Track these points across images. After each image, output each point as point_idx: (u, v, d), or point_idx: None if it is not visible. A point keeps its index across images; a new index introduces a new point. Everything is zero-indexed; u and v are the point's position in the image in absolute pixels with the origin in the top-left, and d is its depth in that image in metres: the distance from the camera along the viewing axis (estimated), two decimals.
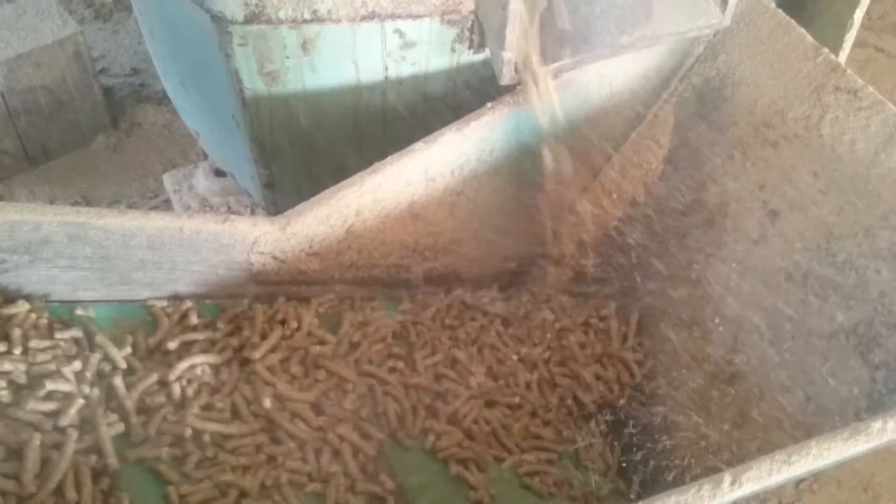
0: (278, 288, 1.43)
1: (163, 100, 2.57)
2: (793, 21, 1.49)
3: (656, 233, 1.58)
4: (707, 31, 1.51)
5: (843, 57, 1.77)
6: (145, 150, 2.49)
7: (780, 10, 1.52)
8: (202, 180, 2.10)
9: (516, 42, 1.35)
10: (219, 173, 2.10)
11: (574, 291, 1.63)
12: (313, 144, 1.60)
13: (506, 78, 1.39)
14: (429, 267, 1.56)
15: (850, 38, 1.74)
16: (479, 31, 1.45)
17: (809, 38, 1.46)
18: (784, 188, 1.45)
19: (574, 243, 1.59)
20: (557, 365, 1.59)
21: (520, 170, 1.48)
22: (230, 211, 2.01)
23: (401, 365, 1.46)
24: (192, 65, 1.70)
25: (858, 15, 1.71)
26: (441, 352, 1.50)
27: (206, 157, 2.16)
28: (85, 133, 2.51)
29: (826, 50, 1.44)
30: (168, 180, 2.15)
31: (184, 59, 1.74)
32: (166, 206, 2.14)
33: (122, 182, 2.39)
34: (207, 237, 1.31)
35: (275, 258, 1.39)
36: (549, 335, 1.60)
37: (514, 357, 1.56)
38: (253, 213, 1.99)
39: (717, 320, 1.51)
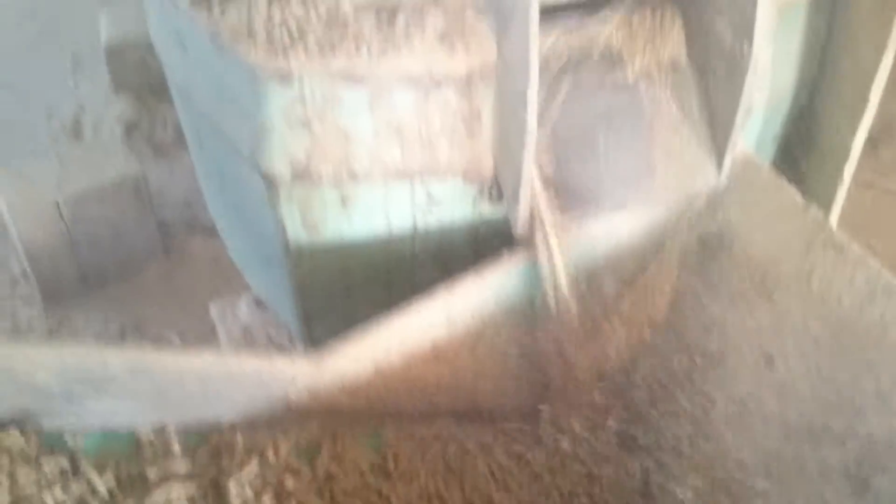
0: (310, 420, 1.56)
1: (212, 231, 2.74)
2: (784, 180, 1.64)
3: (661, 374, 1.69)
4: (705, 189, 1.66)
5: (836, 210, 1.91)
6: (195, 280, 2.67)
7: (772, 170, 1.67)
8: (245, 311, 2.26)
9: (529, 200, 1.52)
10: (261, 304, 2.26)
11: (578, 428, 1.72)
12: (348, 287, 1.75)
13: (521, 231, 1.55)
14: (451, 404, 1.68)
15: (842, 194, 1.88)
16: (498, 188, 1.62)
17: (799, 196, 1.60)
18: (779, 336, 1.56)
19: (581, 384, 1.69)
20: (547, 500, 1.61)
21: (533, 314, 1.62)
22: (271, 341, 2.16)
23: (374, 498, 1.51)
24: (241, 211, 1.88)
25: (848, 171, 1.85)
26: (417, 483, 1.55)
27: (250, 287, 2.32)
28: (139, 262, 2.70)
29: (814, 207, 1.58)
30: (214, 309, 2.32)
31: (233, 205, 1.93)
32: (212, 333, 2.29)
33: (172, 309, 2.56)
34: (250, 373, 1.45)
35: (309, 392, 1.53)
36: (539, 474, 1.63)
37: (496, 491, 1.59)
38: (291, 342, 2.13)
39: (719, 460, 1.60)
